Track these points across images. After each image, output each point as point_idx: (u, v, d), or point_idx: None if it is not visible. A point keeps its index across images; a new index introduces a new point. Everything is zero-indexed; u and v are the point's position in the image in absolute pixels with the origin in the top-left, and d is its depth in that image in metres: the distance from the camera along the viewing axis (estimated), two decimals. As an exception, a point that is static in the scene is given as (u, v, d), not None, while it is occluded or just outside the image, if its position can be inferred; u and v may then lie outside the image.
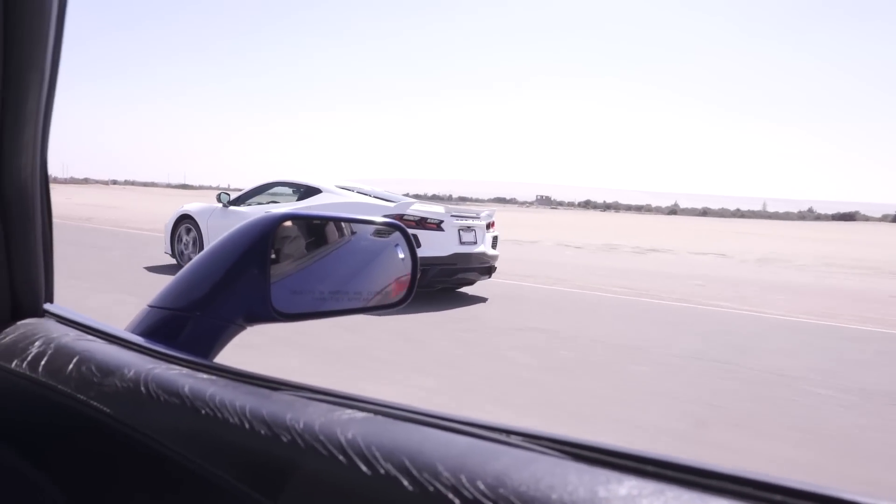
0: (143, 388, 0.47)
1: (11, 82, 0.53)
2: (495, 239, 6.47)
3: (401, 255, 0.74)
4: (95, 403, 0.49)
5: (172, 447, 0.44)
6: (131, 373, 0.49)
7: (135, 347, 0.55)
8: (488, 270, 6.35)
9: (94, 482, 0.51)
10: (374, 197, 6.35)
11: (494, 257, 6.35)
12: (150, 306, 0.65)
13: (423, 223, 5.72)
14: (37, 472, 0.55)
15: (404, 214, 5.71)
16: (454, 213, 5.94)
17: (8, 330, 0.62)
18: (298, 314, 0.65)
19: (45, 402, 0.53)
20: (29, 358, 0.56)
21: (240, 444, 0.41)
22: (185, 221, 7.22)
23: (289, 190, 6.85)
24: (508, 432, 0.33)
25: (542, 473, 0.29)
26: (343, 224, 0.72)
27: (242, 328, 0.64)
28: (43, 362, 0.55)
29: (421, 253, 5.15)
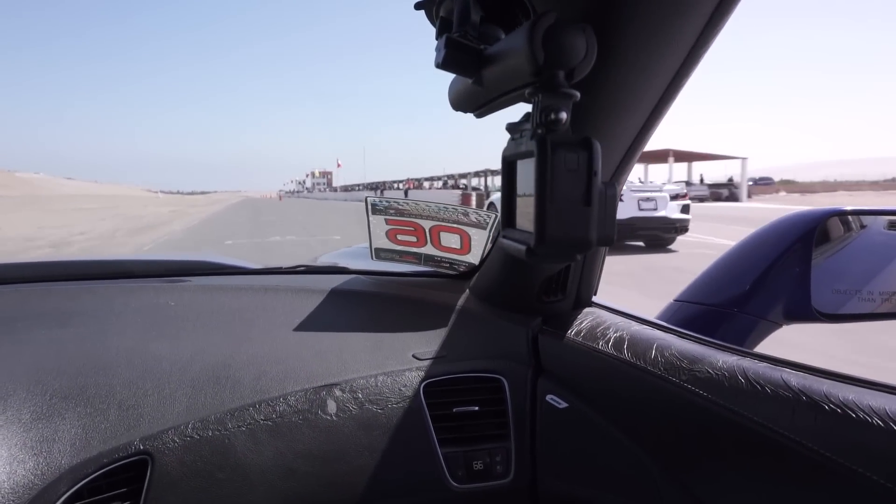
0: (740, 379, 0.49)
1: None
2: (685, 206, 8.17)
3: None
4: (690, 387, 0.52)
5: (791, 437, 0.44)
6: (719, 363, 0.52)
7: (706, 342, 0.57)
8: (675, 229, 8.06)
9: (692, 458, 0.54)
10: None
11: (680, 219, 8.07)
12: (678, 301, 0.66)
13: None
14: (626, 438, 0.60)
15: None
16: (633, 189, 7.81)
17: (580, 316, 0.68)
18: (845, 315, 0.61)
19: (633, 379, 0.58)
20: (612, 341, 0.61)
21: (888, 448, 0.39)
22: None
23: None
24: None
25: None
26: (850, 218, 0.67)
27: (778, 326, 0.63)
28: (625, 346, 0.60)
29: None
